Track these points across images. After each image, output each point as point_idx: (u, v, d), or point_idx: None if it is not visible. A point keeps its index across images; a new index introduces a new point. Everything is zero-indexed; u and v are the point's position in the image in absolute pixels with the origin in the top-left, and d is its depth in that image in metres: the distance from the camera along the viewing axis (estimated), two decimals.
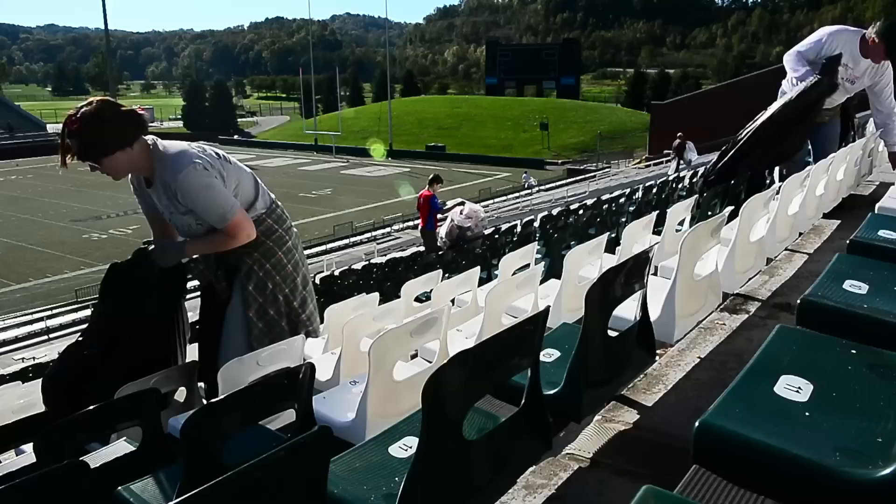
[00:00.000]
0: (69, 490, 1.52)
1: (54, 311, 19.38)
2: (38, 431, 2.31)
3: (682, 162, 22.83)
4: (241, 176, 2.87)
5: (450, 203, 12.71)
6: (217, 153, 2.83)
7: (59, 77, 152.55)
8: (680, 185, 13.33)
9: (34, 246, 28.47)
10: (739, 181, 5.46)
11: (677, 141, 23.48)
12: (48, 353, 14.90)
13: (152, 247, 2.93)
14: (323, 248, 26.49)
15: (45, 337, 18.27)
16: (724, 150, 5.52)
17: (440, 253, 12.24)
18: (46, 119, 71.40)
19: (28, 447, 2.98)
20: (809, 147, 5.49)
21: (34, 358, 14.82)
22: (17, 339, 18.51)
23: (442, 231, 12.58)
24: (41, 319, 19.07)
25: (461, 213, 12.32)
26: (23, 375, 10.68)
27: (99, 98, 2.73)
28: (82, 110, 2.66)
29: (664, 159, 37.85)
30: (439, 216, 12.69)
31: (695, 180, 11.51)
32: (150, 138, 2.78)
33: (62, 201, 37.14)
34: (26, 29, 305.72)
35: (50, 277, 24.78)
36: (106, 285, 2.95)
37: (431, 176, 12.75)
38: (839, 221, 3.96)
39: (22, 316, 20.14)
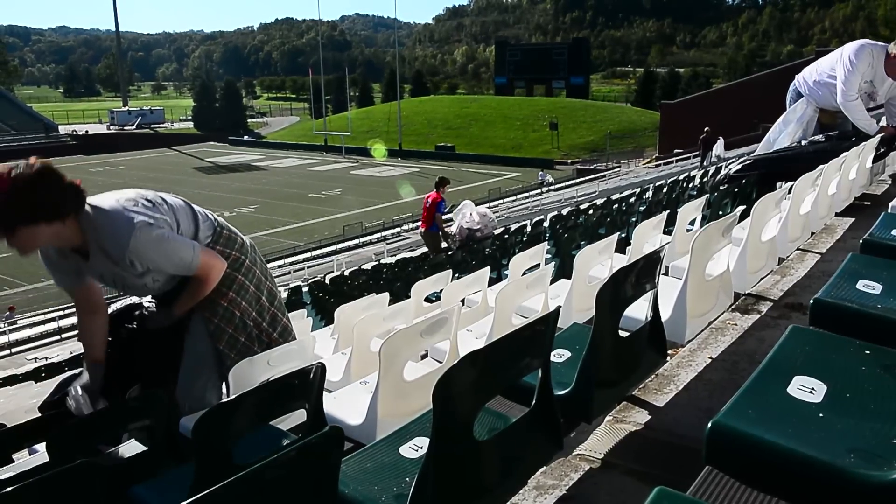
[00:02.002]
0: (82, 489, 1.53)
1: (67, 311, 19.48)
2: (51, 431, 2.32)
3: (711, 155, 22.66)
4: (179, 213, 2.58)
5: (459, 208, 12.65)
6: (149, 200, 2.52)
7: (70, 78, 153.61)
8: (691, 185, 13.29)
9: None
10: (750, 181, 5.46)
11: (704, 135, 23.39)
12: (60, 352, 15.01)
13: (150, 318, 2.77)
14: (333, 248, 26.58)
15: (58, 337, 18.40)
16: (749, 158, 5.66)
17: (450, 253, 12.24)
18: (58, 120, 71.95)
19: (41, 446, 3.00)
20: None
21: (46, 358, 14.93)
22: (29, 339, 18.67)
23: (452, 230, 12.56)
24: (53, 319, 19.20)
25: (471, 215, 12.31)
26: (36, 375, 10.77)
27: (42, 162, 2.35)
28: (15, 171, 2.27)
29: (674, 158, 37.75)
30: (444, 217, 12.62)
31: (705, 179, 11.46)
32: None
33: None
34: (38, 31, 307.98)
35: None
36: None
37: (438, 178, 12.60)
38: (852, 221, 3.93)
39: (35, 316, 20.31)
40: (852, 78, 5.20)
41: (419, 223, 13.89)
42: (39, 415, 3.04)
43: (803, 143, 5.51)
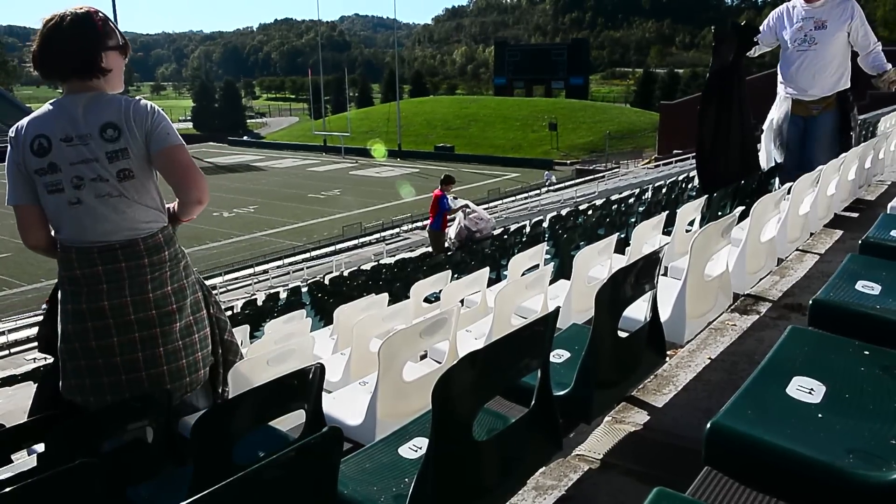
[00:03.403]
0: (81, 490, 1.52)
1: None
2: (50, 431, 2.32)
3: None
4: (74, 213, 2.31)
5: (457, 203, 12.64)
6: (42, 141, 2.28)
7: None
8: (690, 185, 13.30)
9: None
10: (749, 182, 5.41)
11: None
12: None
13: None
14: (332, 248, 26.58)
15: None
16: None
17: (449, 253, 12.25)
18: None
19: (40, 447, 3.00)
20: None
21: (46, 358, 14.92)
22: (28, 340, 18.63)
23: (451, 232, 12.60)
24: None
25: (469, 215, 12.33)
26: (35, 375, 10.76)
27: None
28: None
29: (673, 159, 37.75)
30: (448, 216, 12.66)
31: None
32: (96, 85, 2.36)
33: None
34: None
35: None
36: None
37: (443, 176, 12.67)
38: (851, 221, 3.94)
39: (34, 316, 20.28)
40: (766, 30, 5.22)
41: (428, 220, 14.00)
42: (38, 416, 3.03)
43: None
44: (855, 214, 4.12)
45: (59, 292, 2.44)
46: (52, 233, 2.42)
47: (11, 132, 2.32)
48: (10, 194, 2.33)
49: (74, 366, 2.38)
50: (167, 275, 2.43)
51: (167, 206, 2.53)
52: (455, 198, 12.44)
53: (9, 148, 2.32)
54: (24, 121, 2.33)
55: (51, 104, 2.35)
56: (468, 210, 12.38)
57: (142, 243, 2.37)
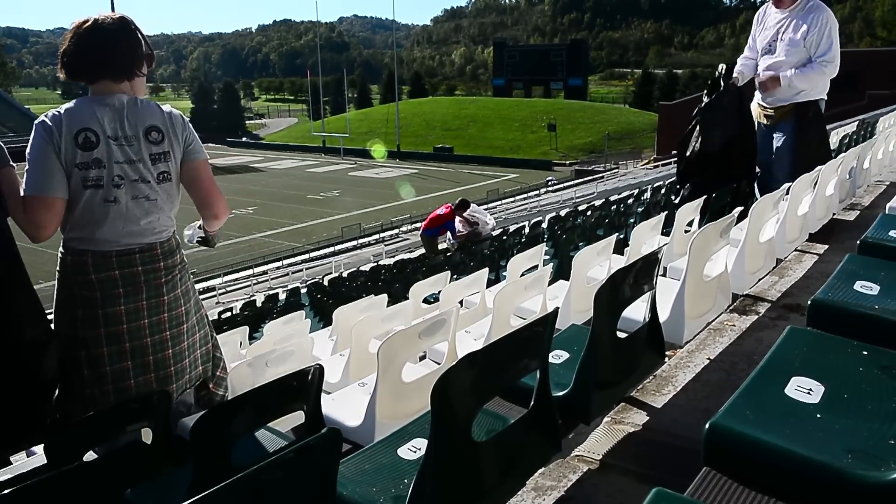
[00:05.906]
0: (80, 491, 1.52)
1: None
2: (48, 433, 2.32)
3: None
4: (106, 211, 2.26)
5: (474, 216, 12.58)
6: (88, 134, 2.23)
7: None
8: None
9: (44, 249, 28.51)
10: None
11: None
12: None
13: None
14: (331, 249, 26.57)
15: None
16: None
17: (448, 254, 12.26)
18: None
19: (39, 449, 2.99)
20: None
21: None
22: None
23: (450, 237, 12.64)
24: (51, 322, 19.10)
25: (467, 223, 12.33)
26: None
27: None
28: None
29: (673, 159, 37.75)
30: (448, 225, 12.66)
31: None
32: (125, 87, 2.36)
33: None
34: (36, 32, 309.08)
35: None
36: None
37: (459, 200, 12.58)
38: (849, 222, 3.94)
39: None
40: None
41: (422, 223, 13.99)
42: None
43: None
44: (854, 215, 4.13)
45: (63, 299, 2.37)
46: (69, 234, 2.34)
47: (46, 122, 2.22)
48: (43, 185, 2.21)
49: (78, 377, 2.33)
50: (178, 278, 2.45)
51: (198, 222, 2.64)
52: (470, 218, 12.37)
53: (39, 140, 2.22)
54: (57, 113, 2.26)
55: (85, 101, 2.30)
56: (472, 219, 12.39)
57: (159, 248, 2.39)
